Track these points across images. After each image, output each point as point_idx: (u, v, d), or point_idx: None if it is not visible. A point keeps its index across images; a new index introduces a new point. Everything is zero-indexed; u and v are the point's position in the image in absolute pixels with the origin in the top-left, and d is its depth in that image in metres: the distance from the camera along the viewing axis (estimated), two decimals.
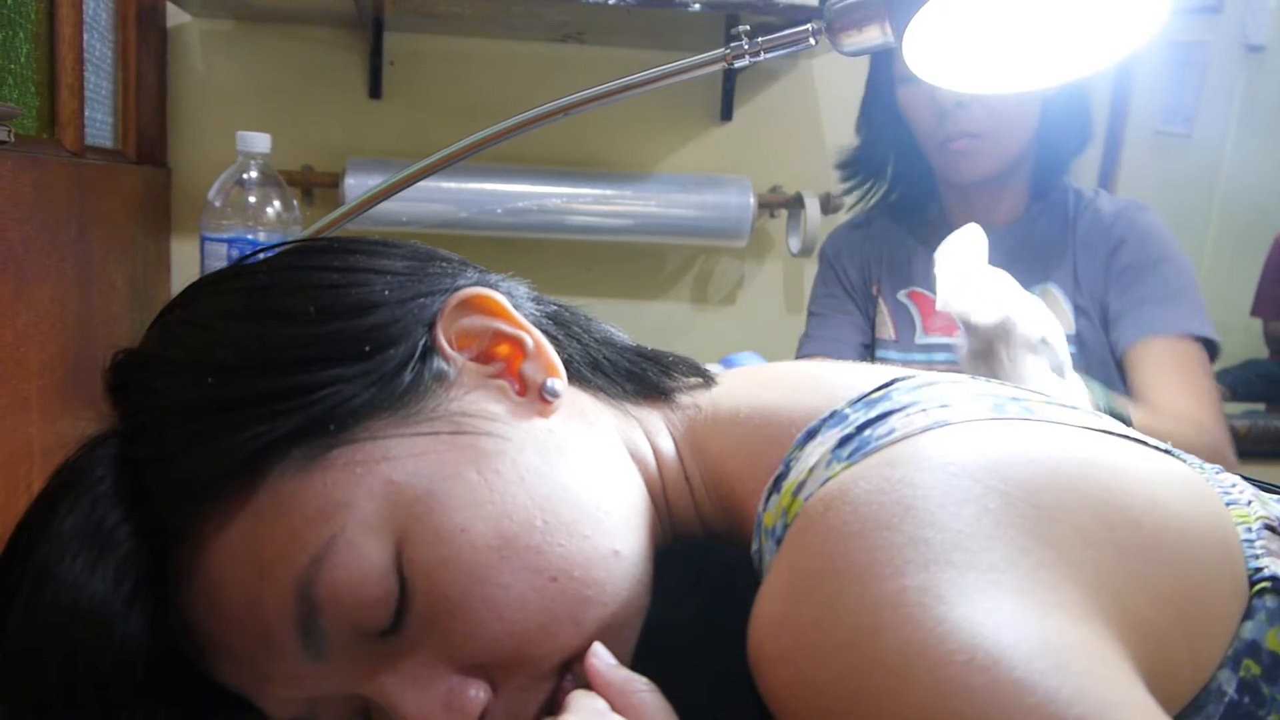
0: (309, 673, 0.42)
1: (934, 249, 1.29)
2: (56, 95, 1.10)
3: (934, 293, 1.28)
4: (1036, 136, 1.22)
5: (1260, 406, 2.36)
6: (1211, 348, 1.14)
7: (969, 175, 1.21)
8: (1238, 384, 2.35)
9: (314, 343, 0.43)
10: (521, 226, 1.70)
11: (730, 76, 1.79)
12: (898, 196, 1.34)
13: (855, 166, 1.34)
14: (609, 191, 1.74)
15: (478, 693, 0.41)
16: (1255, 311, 2.50)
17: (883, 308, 1.33)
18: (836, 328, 1.34)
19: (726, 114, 1.83)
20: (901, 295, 1.31)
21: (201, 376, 0.42)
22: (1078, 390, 0.88)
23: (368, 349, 0.43)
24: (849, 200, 1.42)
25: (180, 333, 0.46)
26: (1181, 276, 1.16)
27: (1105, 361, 1.18)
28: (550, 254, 1.81)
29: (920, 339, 1.28)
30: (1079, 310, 1.19)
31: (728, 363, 1.14)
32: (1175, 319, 1.13)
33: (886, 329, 1.31)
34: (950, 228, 1.30)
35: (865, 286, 1.36)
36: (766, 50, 0.83)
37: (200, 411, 0.41)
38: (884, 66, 1.26)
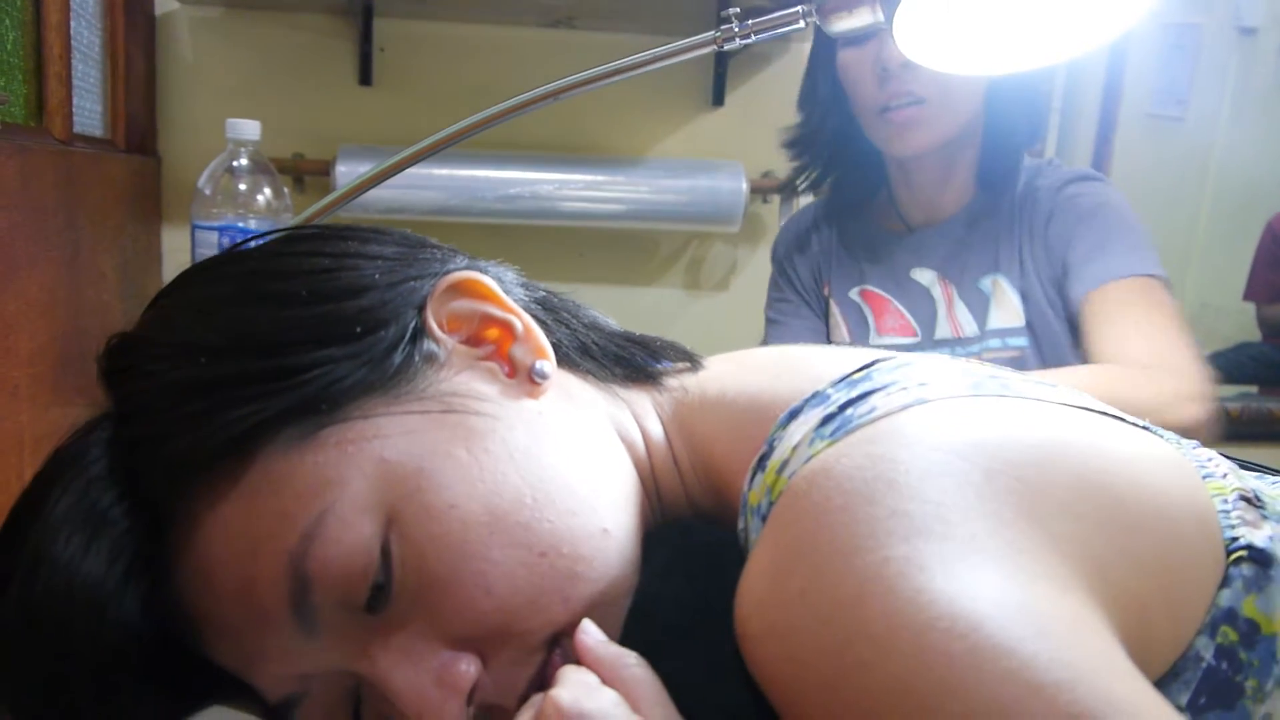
0: (302, 650, 0.42)
1: (886, 245, 1.22)
2: (44, 83, 1.10)
3: (886, 292, 1.22)
4: (984, 121, 1.15)
5: (1253, 389, 2.37)
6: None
7: (911, 147, 1.14)
8: (1231, 366, 2.36)
9: (305, 324, 0.43)
10: (513, 213, 1.71)
11: (722, 61, 1.79)
12: (846, 187, 1.26)
13: (801, 145, 1.24)
14: (601, 177, 1.74)
15: (468, 667, 0.42)
16: (1248, 295, 2.50)
17: (834, 309, 1.27)
18: (794, 335, 1.29)
19: (718, 99, 1.83)
20: (853, 294, 1.25)
21: (194, 357, 0.42)
22: None
23: (359, 330, 0.44)
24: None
25: (174, 316, 0.46)
26: (1115, 221, 1.10)
27: (1058, 348, 1.13)
28: (542, 240, 1.81)
29: (874, 339, 1.23)
30: (1027, 298, 1.14)
31: None
32: (1115, 264, 1.08)
33: (840, 331, 1.26)
34: (901, 219, 1.23)
35: (817, 288, 1.29)
36: (756, 32, 0.83)
37: (192, 391, 0.42)
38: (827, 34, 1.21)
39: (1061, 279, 1.12)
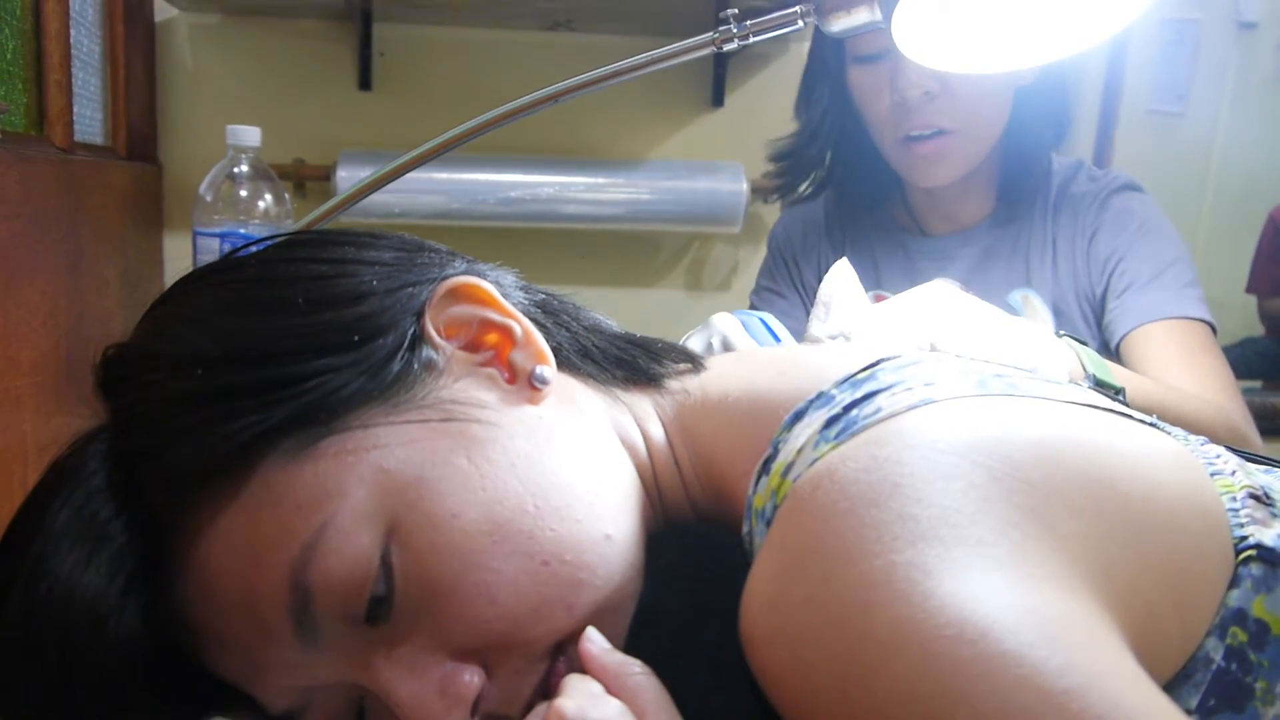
0: (304, 662, 0.42)
1: (904, 246, 1.16)
2: (44, 92, 1.09)
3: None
4: (1006, 130, 1.07)
5: (1257, 384, 2.36)
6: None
7: (937, 179, 1.07)
8: (1235, 362, 2.33)
9: (303, 333, 0.43)
10: (514, 216, 1.70)
11: (721, 62, 1.79)
12: (854, 191, 1.18)
13: (794, 158, 1.16)
14: (602, 179, 1.73)
15: (472, 677, 0.42)
16: (1250, 288, 2.50)
17: None
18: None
19: (718, 100, 1.83)
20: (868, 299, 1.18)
21: (191, 369, 0.42)
22: (1062, 356, 0.81)
23: (357, 338, 0.43)
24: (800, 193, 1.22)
25: (170, 326, 0.46)
26: (1164, 255, 1.03)
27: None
28: (544, 243, 1.81)
29: None
30: (1059, 314, 1.08)
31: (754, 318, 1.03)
32: (1162, 303, 1.01)
33: None
34: (918, 225, 1.17)
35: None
36: (755, 33, 0.83)
37: (190, 403, 0.42)
38: (832, 39, 1.04)
39: (1101, 295, 1.06)
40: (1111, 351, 1.06)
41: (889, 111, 1.05)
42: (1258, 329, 2.50)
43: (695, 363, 0.54)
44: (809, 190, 1.21)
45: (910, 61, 1.00)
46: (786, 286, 1.24)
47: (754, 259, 1.90)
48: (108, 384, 0.45)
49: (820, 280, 1.19)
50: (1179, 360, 0.99)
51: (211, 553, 0.41)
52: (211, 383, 0.42)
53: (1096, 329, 1.08)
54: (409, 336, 0.45)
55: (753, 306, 1.26)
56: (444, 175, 1.65)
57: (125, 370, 0.44)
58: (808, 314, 1.19)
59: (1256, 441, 0.97)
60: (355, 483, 0.41)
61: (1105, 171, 1.13)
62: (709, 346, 0.84)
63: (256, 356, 0.42)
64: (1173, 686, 0.37)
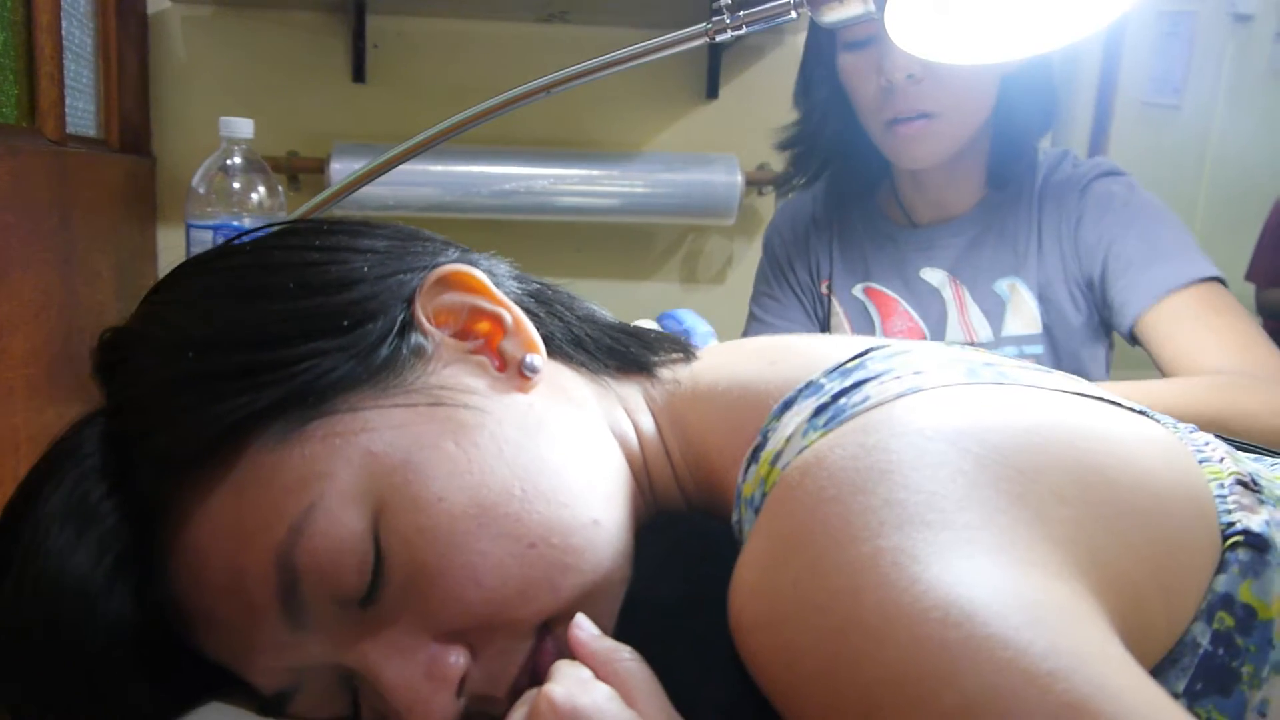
0: (292, 643, 0.42)
1: (892, 240, 1.17)
2: (36, 84, 1.09)
3: (893, 291, 1.16)
4: (994, 116, 1.08)
5: None
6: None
7: (921, 160, 1.08)
8: None
9: (293, 317, 0.43)
10: (509, 208, 1.70)
11: (715, 54, 1.79)
12: (846, 180, 1.19)
13: (804, 144, 1.18)
14: (596, 172, 1.73)
15: (458, 659, 0.42)
16: (1250, 276, 2.49)
17: (837, 308, 1.20)
18: (775, 334, 1.16)
19: (713, 92, 1.83)
20: (857, 291, 1.18)
21: (183, 352, 0.42)
22: None
23: (346, 323, 0.44)
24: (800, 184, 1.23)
25: (164, 311, 0.46)
26: (1157, 221, 1.03)
27: (1074, 353, 1.09)
28: (538, 235, 1.81)
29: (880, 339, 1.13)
30: (1044, 300, 1.08)
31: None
32: (1164, 277, 1.00)
33: (843, 329, 1.19)
34: (907, 215, 1.17)
35: (814, 285, 1.23)
36: (748, 24, 0.83)
37: (181, 386, 0.42)
38: (826, 29, 1.05)
39: (1099, 280, 1.06)
40: (1125, 334, 1.05)
41: (875, 95, 1.06)
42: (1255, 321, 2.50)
43: (687, 352, 0.54)
44: (803, 181, 1.22)
45: (895, 45, 1.01)
46: (779, 289, 1.25)
47: (749, 251, 1.91)
48: (103, 367, 0.45)
49: (812, 275, 1.24)
50: (1194, 332, 0.98)
51: (200, 534, 0.41)
52: (202, 365, 0.42)
53: (1087, 313, 1.08)
54: (399, 323, 0.45)
55: (751, 314, 1.28)
56: (438, 168, 1.65)
57: (120, 354, 0.45)
58: (804, 314, 1.24)
59: None
60: (343, 465, 0.41)
61: (1088, 160, 1.14)
62: None
63: (246, 340, 0.43)
64: (1160, 671, 0.37)
